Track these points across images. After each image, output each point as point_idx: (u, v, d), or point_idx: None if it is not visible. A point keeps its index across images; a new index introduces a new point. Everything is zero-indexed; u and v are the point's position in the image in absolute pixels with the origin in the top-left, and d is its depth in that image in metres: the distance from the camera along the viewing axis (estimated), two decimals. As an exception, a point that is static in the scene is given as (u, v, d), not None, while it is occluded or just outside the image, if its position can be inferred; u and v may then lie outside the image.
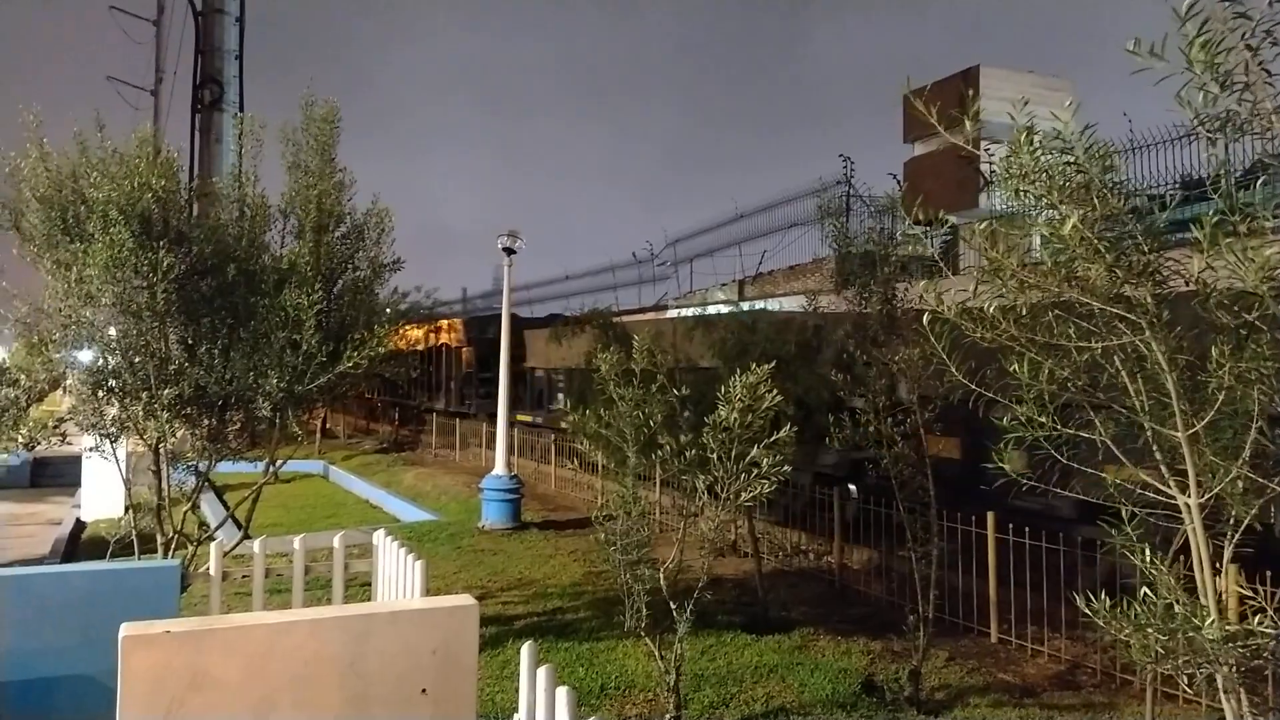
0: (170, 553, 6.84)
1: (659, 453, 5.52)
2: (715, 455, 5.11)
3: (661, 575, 5.40)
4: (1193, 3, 2.42)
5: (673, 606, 5.32)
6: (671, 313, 20.81)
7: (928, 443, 6.06)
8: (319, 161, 7.28)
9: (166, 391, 6.36)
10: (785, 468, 5.08)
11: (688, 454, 5.34)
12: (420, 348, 27.45)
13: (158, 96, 35.29)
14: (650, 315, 20.91)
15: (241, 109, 25.09)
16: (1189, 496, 2.99)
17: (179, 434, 6.85)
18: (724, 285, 23.99)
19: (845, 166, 18.82)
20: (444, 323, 27.38)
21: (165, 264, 6.10)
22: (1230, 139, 2.55)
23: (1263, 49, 2.44)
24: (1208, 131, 2.57)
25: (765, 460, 5.05)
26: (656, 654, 5.47)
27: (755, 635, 7.38)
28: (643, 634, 5.42)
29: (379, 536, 6.33)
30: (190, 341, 6.66)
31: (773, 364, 5.14)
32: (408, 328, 26.42)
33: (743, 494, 5.13)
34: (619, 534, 5.43)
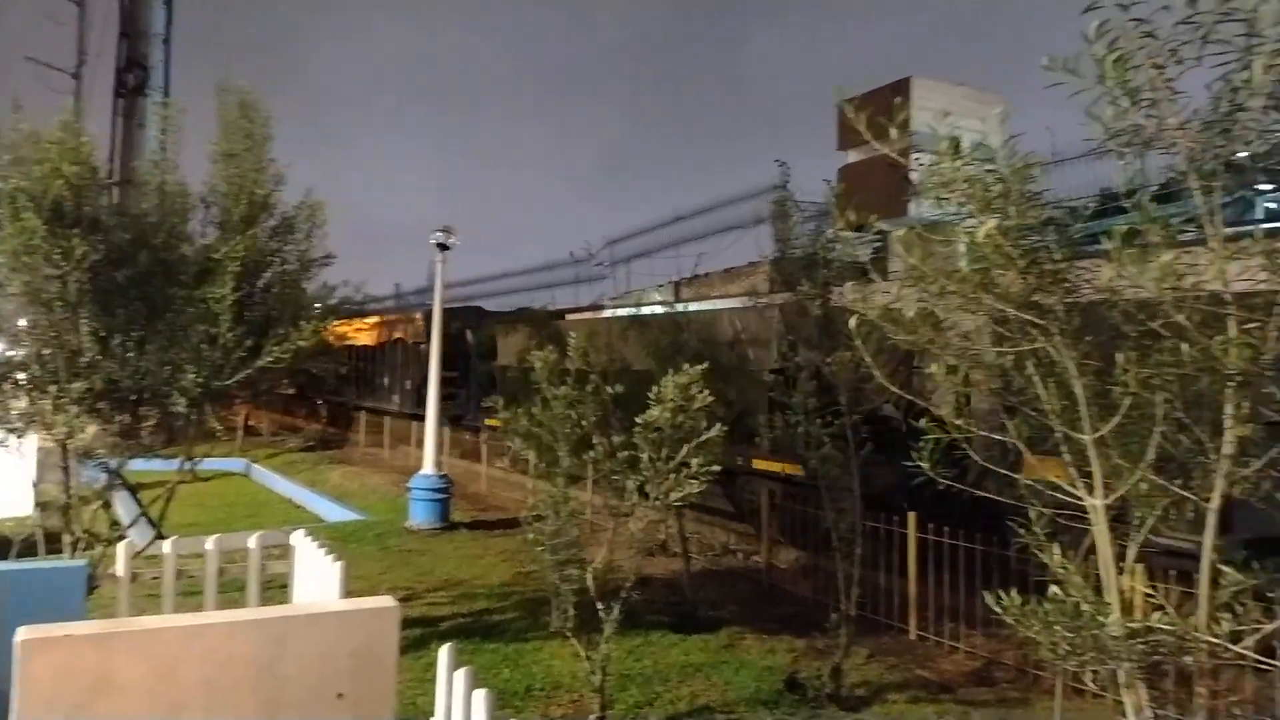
0: (77, 553, 6.56)
1: (591, 453, 5.51)
2: (646, 455, 5.12)
3: (589, 575, 5.38)
4: (1103, 22, 2.51)
5: (600, 607, 5.32)
6: (607, 313, 20.82)
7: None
8: (250, 151, 7.06)
9: (77, 385, 6.10)
10: (714, 466, 5.13)
11: (619, 454, 5.34)
12: (369, 344, 26.19)
13: (79, 79, 33.89)
14: (589, 314, 20.64)
15: (168, 95, 24.28)
16: (1095, 498, 3.09)
17: (90, 429, 6.59)
18: (661, 286, 24.10)
19: (782, 171, 19.06)
20: (400, 316, 25.95)
21: (79, 252, 5.85)
22: (1138, 153, 2.65)
23: (1169, 67, 2.54)
24: (1117, 146, 2.67)
25: (695, 460, 5.08)
26: (583, 654, 5.45)
27: (683, 634, 7.42)
28: (569, 634, 5.40)
29: (298, 537, 6.17)
30: (103, 333, 6.40)
31: (705, 365, 5.18)
32: (355, 322, 25.62)
33: (673, 493, 5.15)
34: (548, 534, 5.40)
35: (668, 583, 9.06)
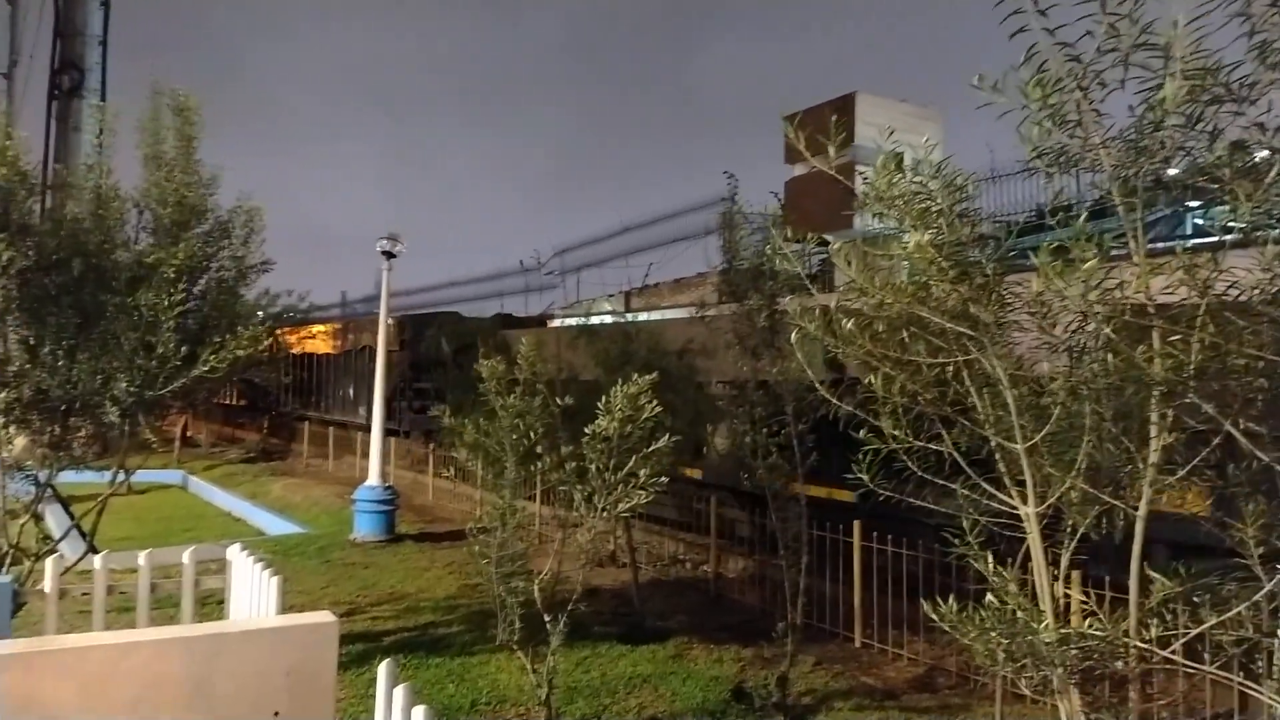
0: (4, 568, 6.33)
1: (539, 464, 5.48)
2: (594, 466, 5.11)
3: (536, 587, 5.35)
4: (1032, 45, 2.59)
5: (547, 619, 5.28)
6: (556, 322, 20.73)
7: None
8: (180, 153, 6.91)
9: (3, 395, 5.91)
10: (662, 478, 5.13)
11: (568, 465, 5.31)
12: (327, 351, 24.71)
13: (12, 80, 32.88)
14: (572, 321, 19.83)
15: (104, 97, 23.67)
16: (1029, 506, 3.16)
17: (18, 441, 6.38)
18: (611, 296, 24.15)
19: (730, 183, 19.22)
20: (367, 321, 23.68)
21: (5, 257, 5.68)
22: (1063, 171, 2.74)
23: (1092, 90, 2.63)
24: (1044, 164, 2.75)
25: (643, 470, 5.08)
26: (529, 667, 5.41)
27: (631, 645, 7.40)
28: (515, 648, 5.35)
29: (234, 551, 6.02)
30: (33, 341, 6.21)
31: (654, 375, 5.19)
32: (307, 329, 24.76)
33: (620, 504, 5.14)
34: (495, 546, 5.35)
35: (616, 593, 9.04)
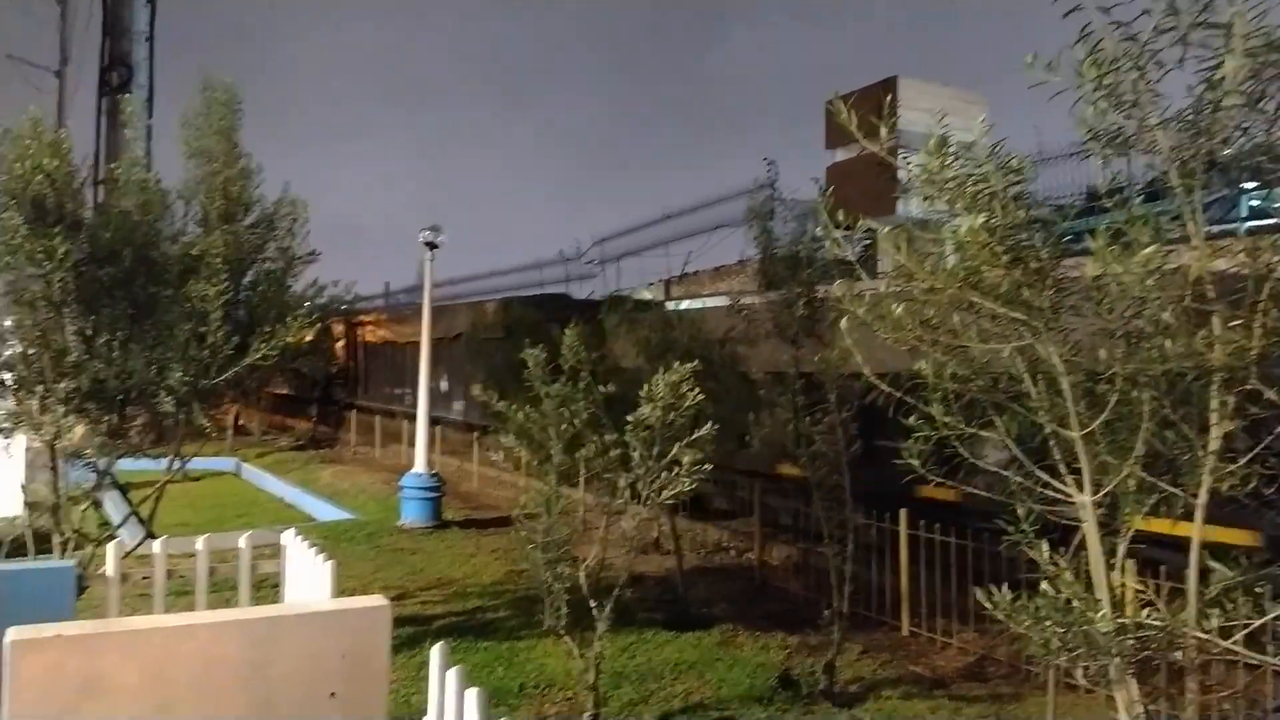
0: (67, 553, 6.53)
1: (583, 450, 5.51)
2: (638, 453, 5.13)
3: (582, 573, 5.39)
4: (1086, 25, 2.53)
5: (593, 604, 5.32)
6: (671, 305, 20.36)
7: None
8: (223, 147, 7.03)
9: (63, 385, 6.08)
10: (706, 465, 5.13)
11: (611, 452, 5.34)
12: (398, 340, 22.08)
13: (62, 78, 33.67)
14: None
15: (152, 93, 24.14)
16: (1084, 494, 3.11)
17: (77, 430, 6.56)
18: (650, 285, 24.11)
19: (769, 170, 19.05)
20: (463, 306, 21.51)
21: (61, 251, 5.82)
22: (1119, 153, 2.67)
23: (1149, 69, 2.56)
24: (1099, 146, 2.69)
25: (686, 458, 5.08)
26: (576, 652, 5.45)
27: (675, 632, 7.43)
28: (562, 633, 5.40)
29: (288, 536, 6.15)
30: (89, 333, 6.36)
31: (695, 363, 5.18)
32: (369, 316, 24.39)
33: (664, 491, 5.15)
34: (540, 532, 5.40)
35: (660, 580, 9.07)
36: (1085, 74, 2.53)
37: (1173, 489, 3.05)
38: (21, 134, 6.14)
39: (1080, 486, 3.15)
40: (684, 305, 13.72)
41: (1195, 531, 3.02)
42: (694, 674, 6.54)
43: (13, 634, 2.88)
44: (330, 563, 5.28)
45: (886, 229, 3.25)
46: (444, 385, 19.97)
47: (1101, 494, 3.13)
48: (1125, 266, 2.58)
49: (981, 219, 2.75)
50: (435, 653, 3.45)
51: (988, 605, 3.12)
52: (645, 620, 7.68)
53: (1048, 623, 3.05)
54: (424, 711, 3.68)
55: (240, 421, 25.96)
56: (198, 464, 10.66)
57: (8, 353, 6.30)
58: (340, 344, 26.63)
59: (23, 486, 7.27)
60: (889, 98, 3.89)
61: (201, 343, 6.30)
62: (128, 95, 23.14)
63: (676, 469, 5.10)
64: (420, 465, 12.69)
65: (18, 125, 6.33)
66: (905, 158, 3.77)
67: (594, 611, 5.32)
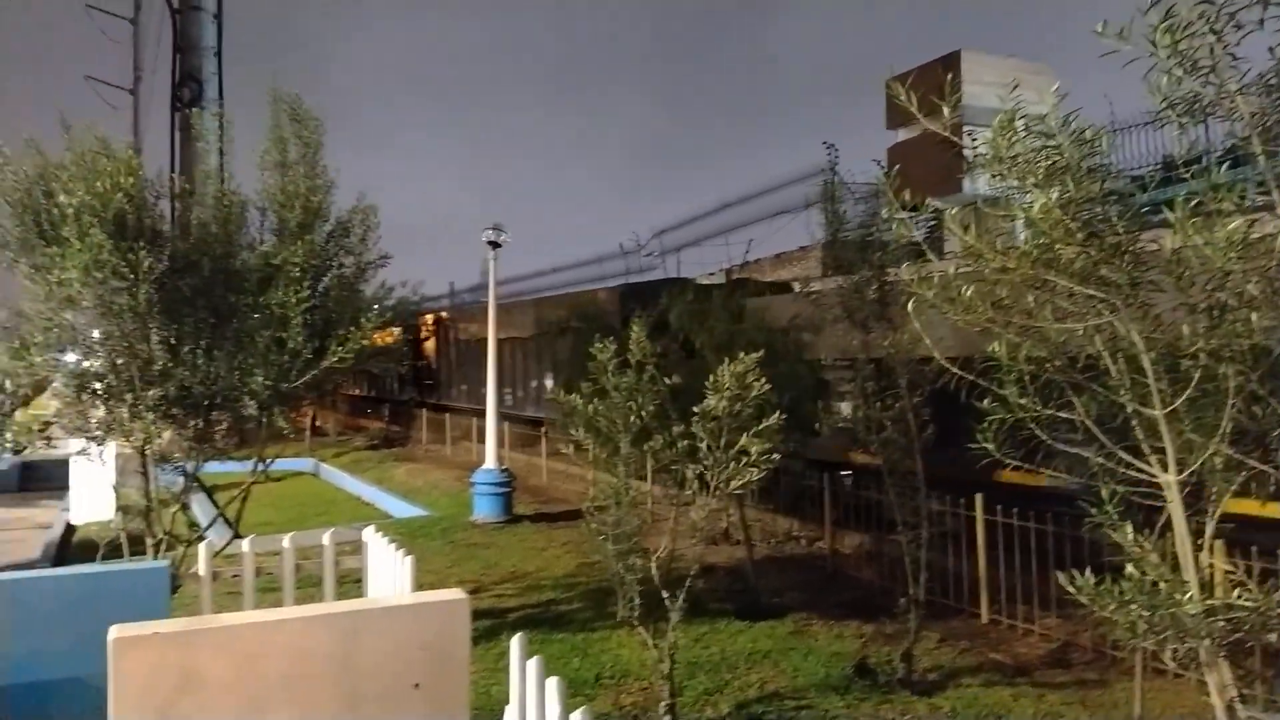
0: (160, 554, 6.82)
1: (651, 442, 5.53)
2: (705, 444, 5.13)
3: (653, 564, 5.42)
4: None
5: (665, 595, 5.35)
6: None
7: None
8: (304, 158, 7.23)
9: (151, 393, 6.33)
10: (774, 455, 5.11)
11: (679, 444, 5.35)
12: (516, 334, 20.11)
13: (136, 95, 34.98)
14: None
15: (222, 106, 24.95)
16: (1169, 474, 3.02)
17: (165, 435, 6.82)
18: (711, 274, 24.01)
19: (829, 153, 18.77)
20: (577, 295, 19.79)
21: (145, 264, 6.06)
22: (1196, 121, 2.57)
23: (1227, 33, 2.46)
24: (1176, 114, 2.59)
25: (754, 448, 5.07)
26: (650, 643, 5.49)
27: (748, 622, 7.42)
28: (636, 623, 5.44)
29: (369, 533, 6.32)
30: (173, 341, 6.62)
31: (761, 353, 5.16)
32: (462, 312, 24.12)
33: (732, 482, 5.15)
34: (610, 524, 5.44)
35: (731, 570, 9.06)
36: (1159, 40, 2.44)
37: (1263, 466, 2.94)
38: (97, 153, 6.41)
39: (1164, 466, 3.06)
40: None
41: (1289, 510, 2.91)
42: (768, 663, 6.53)
43: (115, 631, 3.01)
44: (410, 558, 5.41)
45: (953, 209, 3.18)
46: (550, 383, 18.71)
47: (1187, 473, 3.03)
48: (1207, 238, 2.49)
49: (1055, 194, 2.68)
50: (515, 644, 3.51)
51: (1070, 589, 3.04)
52: (717, 610, 7.69)
53: (1134, 606, 2.97)
54: (503, 702, 3.75)
55: (317, 423, 26.70)
56: (278, 465, 11.03)
57: (97, 363, 6.59)
58: (428, 342, 26.84)
59: (115, 491, 7.58)
60: (951, 74, 3.81)
61: (281, 348, 6.51)
62: (200, 110, 23.97)
63: (744, 459, 5.09)
64: (491, 461, 12.89)
65: (90, 144, 6.62)
66: (970, 134, 3.70)
67: (666, 602, 5.34)
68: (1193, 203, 2.63)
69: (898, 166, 3.96)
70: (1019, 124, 2.94)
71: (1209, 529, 3.19)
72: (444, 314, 27.78)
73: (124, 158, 6.55)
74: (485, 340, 15.69)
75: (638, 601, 5.38)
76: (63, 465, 14.85)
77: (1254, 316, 2.69)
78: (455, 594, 3.54)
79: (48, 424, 7.15)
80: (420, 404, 25.09)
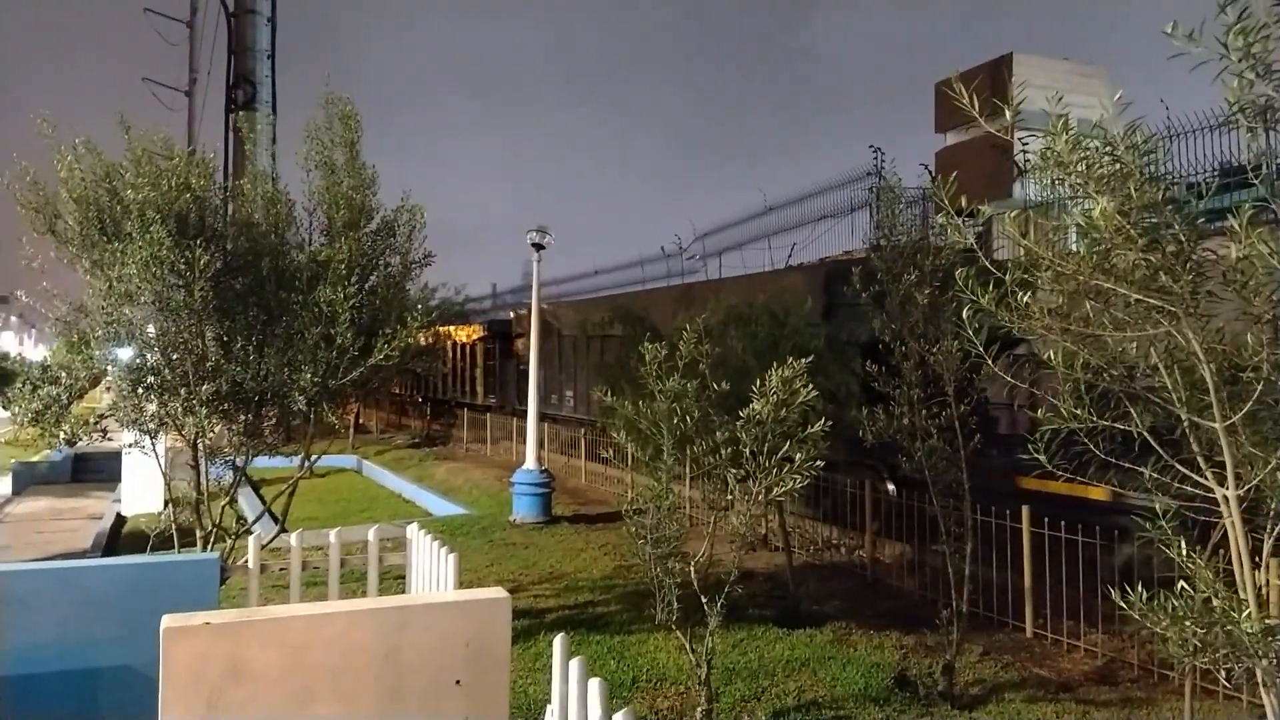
0: (209, 546, 6.96)
1: (693, 447, 5.51)
2: (748, 449, 5.11)
3: (692, 569, 5.40)
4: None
5: (703, 600, 5.33)
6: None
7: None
8: (347, 158, 7.35)
9: (204, 388, 6.47)
10: (818, 462, 5.08)
11: (722, 449, 5.33)
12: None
13: (192, 97, 35.76)
14: None
15: (275, 109, 25.42)
16: (1227, 489, 2.94)
17: (216, 429, 6.97)
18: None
19: (876, 158, 18.60)
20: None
21: (202, 263, 6.20)
22: (1269, 126, 2.51)
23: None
24: (1246, 119, 2.53)
25: (798, 454, 5.04)
26: (688, 647, 5.48)
27: (786, 629, 7.37)
28: (673, 627, 5.43)
29: (412, 530, 6.39)
30: (226, 338, 6.77)
31: (808, 359, 5.13)
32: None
33: (774, 488, 5.12)
34: (649, 528, 5.44)
35: (770, 577, 9.01)
36: (1232, 43, 2.38)
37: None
38: (165, 154, 6.57)
39: (1221, 480, 2.98)
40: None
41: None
42: (807, 671, 6.48)
43: (167, 621, 3.08)
44: (453, 555, 5.46)
45: (1007, 214, 3.13)
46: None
47: (1246, 488, 2.96)
48: (1271, 246, 2.43)
49: (1114, 201, 2.63)
50: (557, 644, 3.53)
51: (1121, 605, 2.98)
52: (755, 617, 7.64)
53: (1187, 623, 2.91)
54: (541, 701, 3.77)
55: (360, 420, 27.04)
56: (323, 461, 11.21)
57: (153, 358, 6.75)
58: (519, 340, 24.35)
59: (165, 483, 7.75)
60: (1008, 76, 3.76)
61: (329, 345, 6.62)
62: (254, 111, 24.46)
63: (788, 465, 5.07)
64: (531, 462, 12.96)
65: (154, 145, 6.79)
66: (1022, 139, 3.64)
67: (705, 607, 5.33)
68: (1256, 210, 2.57)
69: (939, 172, 3.90)
70: (1075, 129, 2.89)
71: (1267, 546, 3.11)
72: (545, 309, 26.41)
73: (197, 159, 6.74)
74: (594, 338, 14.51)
75: (676, 605, 5.37)
76: (115, 457, 15.24)
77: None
78: (497, 592, 3.57)
79: (103, 417, 7.33)
80: (461, 404, 25.14)
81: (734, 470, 5.27)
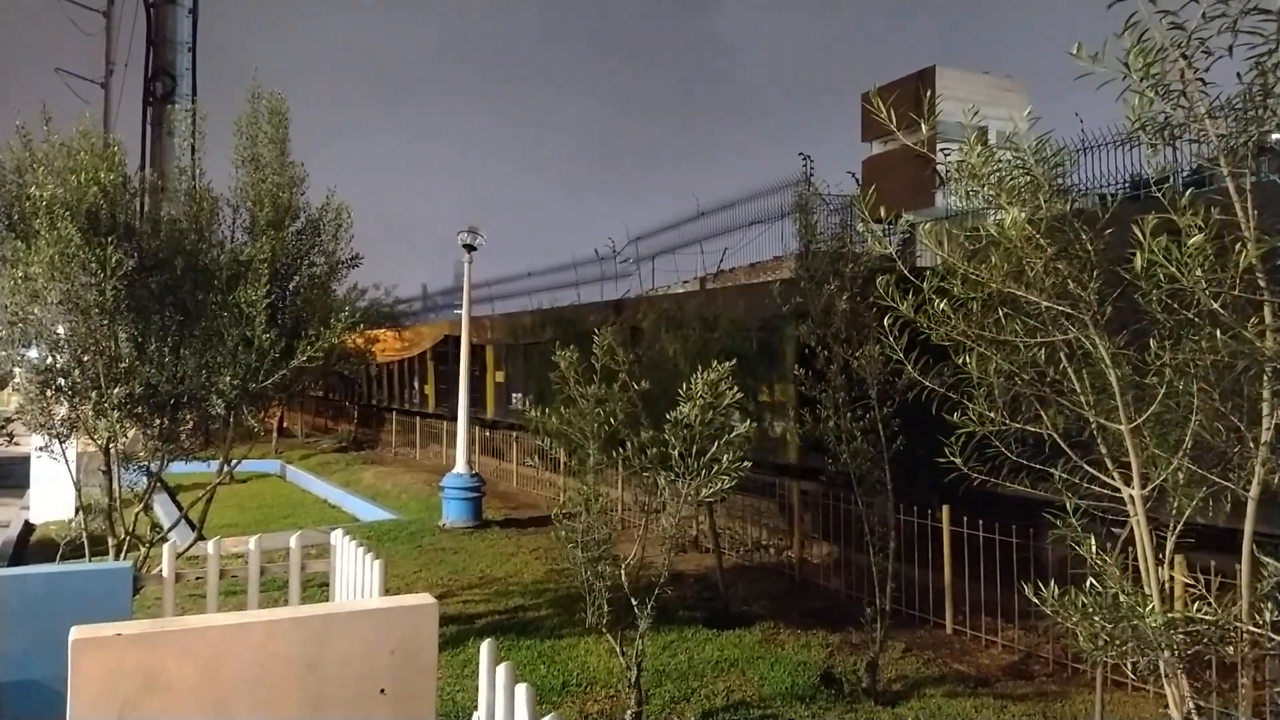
0: (122, 555, 6.71)
1: (620, 450, 5.53)
2: (677, 452, 5.14)
3: (623, 572, 5.41)
4: (1132, 13, 2.51)
5: (634, 603, 5.34)
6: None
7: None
8: (273, 155, 7.17)
9: (116, 390, 6.24)
10: (745, 463, 5.13)
11: (649, 451, 5.35)
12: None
13: (108, 89, 34.42)
14: None
15: (194, 102, 24.65)
16: (1133, 488, 3.07)
17: (130, 434, 6.72)
18: (685, 282, 24.04)
19: (805, 165, 18.85)
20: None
21: (114, 260, 5.98)
22: (1167, 142, 2.64)
23: (1196, 58, 2.53)
24: (1148, 135, 2.65)
25: (725, 456, 5.08)
26: (618, 650, 5.48)
27: (716, 630, 7.43)
28: (604, 631, 5.43)
29: (337, 536, 6.27)
30: (140, 339, 6.53)
31: (734, 361, 5.18)
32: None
33: (703, 490, 5.16)
34: (580, 531, 5.43)
35: (700, 578, 9.08)
36: (1133, 63, 2.50)
37: (1223, 482, 3.01)
38: (75, 146, 6.32)
39: (1128, 480, 3.11)
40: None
41: (1248, 526, 2.97)
42: (735, 672, 6.55)
43: (76, 632, 2.97)
44: (379, 562, 5.38)
45: (924, 223, 3.23)
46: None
47: (1150, 488, 3.09)
48: (1173, 257, 2.55)
49: (1025, 211, 2.73)
50: (484, 650, 3.50)
51: (1035, 600, 3.09)
52: (686, 618, 7.69)
53: (1096, 618, 3.02)
54: (469, 709, 3.73)
55: (284, 424, 26.37)
56: (244, 466, 10.90)
57: (62, 360, 6.47)
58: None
59: (76, 490, 7.46)
60: (929, 91, 3.87)
61: (249, 347, 6.43)
62: (175, 105, 23.65)
63: (716, 466, 5.11)
64: (461, 466, 12.82)
65: (68, 138, 6.53)
66: (944, 150, 3.75)
67: (635, 610, 5.34)
68: (1159, 222, 2.69)
69: (872, 180, 4.00)
70: (990, 142, 3.00)
71: (1170, 543, 3.25)
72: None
73: (106, 152, 6.47)
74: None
75: (606, 609, 5.37)
76: (22, 463, 14.57)
77: (1218, 334, 2.76)
78: (424, 599, 3.52)
79: (9, 420, 7.01)
80: (389, 407, 24.75)
81: (664, 472, 5.30)
